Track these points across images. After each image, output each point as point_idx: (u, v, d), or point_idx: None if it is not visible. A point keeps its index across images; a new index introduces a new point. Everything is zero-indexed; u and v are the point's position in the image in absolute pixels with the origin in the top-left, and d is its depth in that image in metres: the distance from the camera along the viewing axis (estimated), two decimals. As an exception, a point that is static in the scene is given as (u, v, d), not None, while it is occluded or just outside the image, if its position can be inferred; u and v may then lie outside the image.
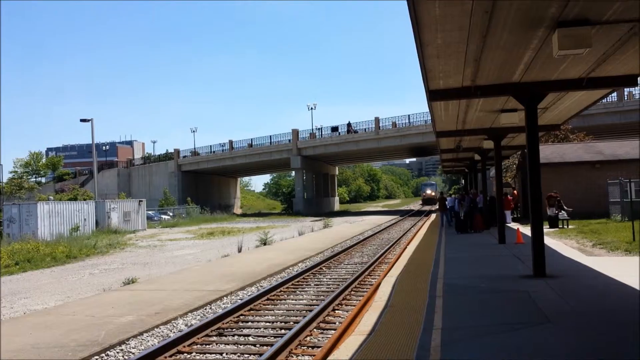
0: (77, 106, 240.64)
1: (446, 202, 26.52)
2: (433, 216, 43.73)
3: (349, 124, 62.05)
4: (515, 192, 30.61)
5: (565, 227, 21.83)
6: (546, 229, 21.36)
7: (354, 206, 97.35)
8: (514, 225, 22.90)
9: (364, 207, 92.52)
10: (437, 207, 33.10)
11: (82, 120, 45.74)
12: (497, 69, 9.21)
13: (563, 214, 22.28)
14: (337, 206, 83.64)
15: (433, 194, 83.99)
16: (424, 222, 35.92)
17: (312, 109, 72.67)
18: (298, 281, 13.19)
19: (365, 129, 61.22)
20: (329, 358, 6.34)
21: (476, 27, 7.01)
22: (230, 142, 71.78)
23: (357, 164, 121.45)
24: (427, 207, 72.10)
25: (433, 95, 11.04)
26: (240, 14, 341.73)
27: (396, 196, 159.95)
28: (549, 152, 28.47)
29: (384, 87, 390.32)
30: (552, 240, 17.40)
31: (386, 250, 18.95)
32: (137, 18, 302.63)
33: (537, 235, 10.10)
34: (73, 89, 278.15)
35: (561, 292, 8.74)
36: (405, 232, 28.36)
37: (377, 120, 59.93)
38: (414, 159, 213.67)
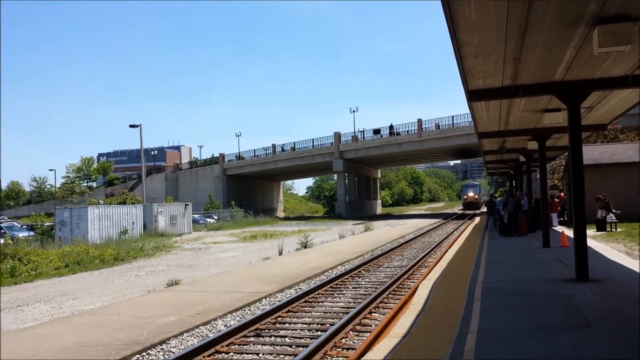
0: (128, 112, 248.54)
1: (495, 205, 25.84)
2: (477, 219, 42.96)
3: (391, 126, 61.75)
4: (562, 194, 29.76)
5: (614, 230, 21.09)
6: (593, 231, 20.74)
7: (397, 209, 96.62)
8: (560, 229, 22.27)
9: (406, 211, 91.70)
10: (485, 210, 32.00)
11: (131, 126, 47.22)
12: (537, 67, 9.00)
13: (611, 217, 21.54)
14: (379, 209, 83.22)
15: (476, 197, 74.70)
16: (467, 226, 35.34)
17: (354, 111, 72.79)
18: (336, 284, 13.22)
19: (407, 131, 60.78)
20: (362, 359, 6.35)
21: (513, 26, 6.89)
22: (274, 145, 72.56)
23: (400, 167, 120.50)
24: (469, 212, 63.98)
25: (473, 96, 10.87)
26: (279, 17, 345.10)
27: (440, 199, 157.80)
28: (597, 152, 27.57)
29: (427, 88, 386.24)
30: (599, 244, 16.85)
31: (426, 254, 18.76)
32: (182, 25, 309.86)
33: (580, 237, 9.81)
34: (124, 95, 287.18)
35: (603, 296, 8.47)
36: (447, 236, 28.00)
37: (419, 122, 59.39)
38: (459, 161, 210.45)
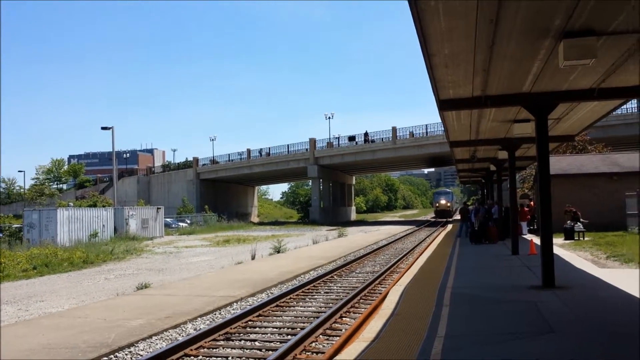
0: (100, 115, 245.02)
1: (467, 213, 25.97)
2: (450, 227, 43.48)
3: (366, 134, 62.17)
4: (531, 203, 30.33)
5: (581, 238, 21.59)
6: (562, 240, 21.20)
7: (371, 216, 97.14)
8: (529, 237, 22.70)
9: (381, 217, 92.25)
10: (458, 218, 31.92)
11: (103, 128, 46.57)
12: (506, 79, 9.24)
13: (579, 226, 22.04)
14: (353, 216, 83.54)
15: (449, 204, 70.10)
16: (440, 233, 35.74)
17: (329, 118, 73.00)
18: (308, 288, 13.26)
19: (382, 139, 61.26)
20: (330, 363, 6.41)
21: (482, 37, 7.08)
22: (248, 150, 72.35)
23: (375, 174, 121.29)
24: (442, 220, 62.99)
25: (444, 105, 11.08)
26: (259, 19, 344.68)
27: (414, 206, 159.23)
28: (565, 163, 28.20)
29: (401, 97, 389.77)
30: (566, 252, 17.24)
31: (399, 260, 18.94)
32: (159, 30, 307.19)
33: (546, 245, 10.05)
34: (96, 97, 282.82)
35: (568, 302, 8.71)
36: (420, 242, 28.28)
37: (394, 129, 59.94)
38: (432, 169, 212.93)
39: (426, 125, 57.57)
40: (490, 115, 12.97)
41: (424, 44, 7.27)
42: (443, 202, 69.67)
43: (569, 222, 22.26)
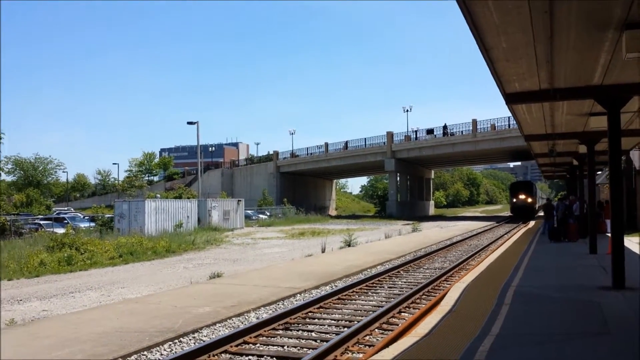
0: (190, 110, 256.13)
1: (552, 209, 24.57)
2: (532, 223, 41.85)
3: (445, 127, 61.00)
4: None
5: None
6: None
7: (451, 211, 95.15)
8: (613, 235, 21.47)
9: (460, 212, 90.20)
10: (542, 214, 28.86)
11: (189, 123, 48.84)
12: (573, 71, 8.89)
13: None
14: (432, 210, 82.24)
15: (530, 200, 54.74)
16: (519, 230, 34.52)
17: (407, 111, 72.21)
18: (372, 283, 13.39)
19: (462, 132, 59.85)
20: (374, 356, 6.54)
21: (539, 29, 6.88)
22: (326, 144, 73.09)
23: (455, 168, 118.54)
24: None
25: (510, 98, 10.81)
26: (336, 18, 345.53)
27: (497, 201, 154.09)
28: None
29: (482, 88, 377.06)
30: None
31: (470, 257, 18.60)
32: (242, 25, 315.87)
33: (617, 244, 9.58)
34: (187, 93, 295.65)
35: (634, 305, 8.29)
36: (496, 239, 27.51)
37: (474, 122, 58.35)
38: (519, 163, 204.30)
39: (509, 117, 55.48)
40: (564, 108, 12.45)
41: (478, 38, 7.18)
42: (522, 196, 55.05)
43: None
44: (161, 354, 7.35)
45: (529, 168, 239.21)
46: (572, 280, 11.16)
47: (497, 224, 44.56)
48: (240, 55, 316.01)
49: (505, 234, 32.03)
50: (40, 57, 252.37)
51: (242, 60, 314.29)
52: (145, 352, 7.34)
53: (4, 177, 66.61)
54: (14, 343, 7.60)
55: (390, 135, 65.37)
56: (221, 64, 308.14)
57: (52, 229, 30.73)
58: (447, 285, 12.79)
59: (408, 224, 43.05)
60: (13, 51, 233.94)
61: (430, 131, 62.87)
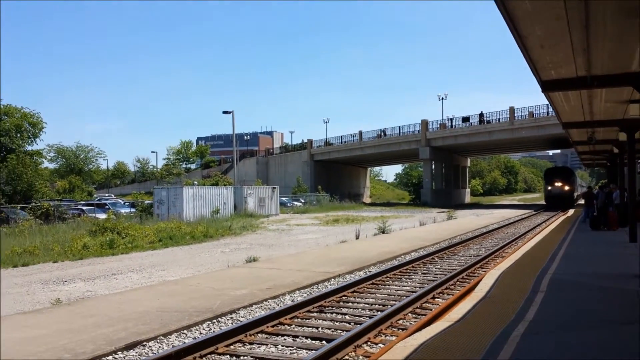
0: (228, 99, 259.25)
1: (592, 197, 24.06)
2: (571, 211, 41.06)
3: (481, 114, 60.04)
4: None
5: None
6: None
7: (487, 199, 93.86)
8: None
9: (497, 200, 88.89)
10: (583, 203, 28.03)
11: (224, 112, 49.45)
12: (610, 58, 8.79)
13: None
14: (468, 198, 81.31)
15: (567, 188, 49.93)
16: (558, 218, 33.97)
17: (442, 98, 71.20)
18: (406, 269, 13.50)
19: (499, 119, 58.79)
20: (407, 339, 6.69)
21: (574, 17, 6.86)
22: (360, 132, 72.91)
23: (492, 156, 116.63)
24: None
25: (547, 86, 10.75)
26: (369, 6, 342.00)
27: (536, 190, 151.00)
28: None
29: (522, 76, 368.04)
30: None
31: (506, 244, 18.49)
32: (276, 17, 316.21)
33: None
34: (223, 83, 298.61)
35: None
36: (534, 227, 27.16)
37: (511, 109, 57.23)
38: (558, 151, 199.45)
39: (547, 104, 54.16)
40: (602, 96, 12.26)
41: (512, 25, 7.18)
42: (558, 183, 50.15)
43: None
44: (200, 333, 7.68)
45: (569, 156, 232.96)
46: (609, 269, 11.07)
47: (535, 212, 43.83)
48: (275, 44, 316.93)
49: (543, 222, 31.57)
50: (83, 50, 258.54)
51: (277, 49, 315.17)
52: (185, 331, 7.68)
53: (47, 164, 68.81)
54: (59, 320, 8.05)
55: (425, 123, 64.75)
56: (257, 54, 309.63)
57: (94, 214, 31.81)
58: (482, 272, 12.79)
59: (443, 212, 42.81)
60: (60, 46, 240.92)
61: (466, 119, 61.96)
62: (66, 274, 13.91)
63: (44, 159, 57.93)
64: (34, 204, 33.12)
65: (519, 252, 14.63)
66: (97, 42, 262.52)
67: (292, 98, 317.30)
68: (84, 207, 35.96)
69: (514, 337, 6.26)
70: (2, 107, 50.41)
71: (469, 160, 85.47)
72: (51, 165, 77.88)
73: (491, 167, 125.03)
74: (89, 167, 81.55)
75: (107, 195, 67.69)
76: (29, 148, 51.74)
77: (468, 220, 32.99)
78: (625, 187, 23.19)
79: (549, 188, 51.79)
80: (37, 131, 52.07)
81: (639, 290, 8.45)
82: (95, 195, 60.97)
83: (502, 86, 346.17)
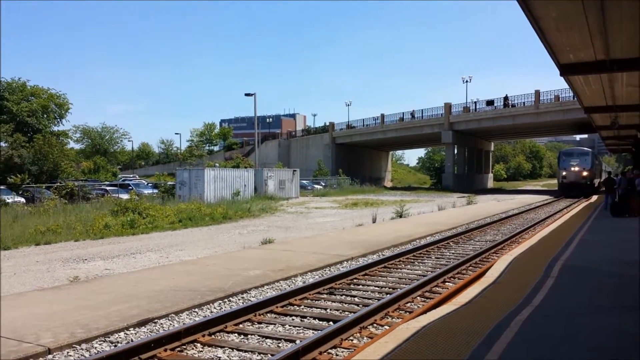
0: (250, 82, 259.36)
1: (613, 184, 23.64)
2: (594, 198, 40.42)
3: (505, 98, 59.13)
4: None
5: None
6: None
7: (511, 184, 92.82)
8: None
9: (521, 186, 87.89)
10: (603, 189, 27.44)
11: (247, 95, 49.60)
12: (629, 41, 8.60)
13: None
14: (490, 183, 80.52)
15: (585, 173, 45.12)
16: (580, 204, 33.49)
17: (467, 81, 70.21)
18: (420, 253, 13.53)
19: (523, 103, 57.86)
20: (411, 321, 6.76)
21: (589, -1, 6.73)
22: (382, 115, 72.49)
23: (517, 140, 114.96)
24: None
25: (565, 70, 10.59)
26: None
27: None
28: None
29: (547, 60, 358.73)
30: None
31: (523, 230, 18.34)
32: (302, 1, 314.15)
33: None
34: (246, 65, 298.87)
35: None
36: (554, 213, 26.85)
37: (537, 93, 56.24)
38: (585, 136, 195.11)
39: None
40: (623, 80, 12.01)
41: (525, 7, 7.08)
42: (575, 168, 45.30)
43: None
44: (211, 311, 7.86)
45: (596, 141, 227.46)
46: (625, 256, 10.94)
47: (557, 198, 43.24)
48: (298, 26, 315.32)
49: (564, 207, 31.17)
50: (110, 33, 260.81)
51: (300, 32, 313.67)
52: (196, 309, 7.87)
53: (72, 145, 70.03)
54: (75, 297, 8.30)
55: (448, 106, 64.05)
56: (280, 36, 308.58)
57: (117, 195, 32.41)
58: (496, 258, 12.76)
59: (463, 197, 42.52)
60: (89, 28, 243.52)
61: (490, 102, 61.06)
62: (86, 253, 14.27)
63: (69, 140, 59.01)
64: (59, 184, 33.85)
65: (534, 238, 14.53)
66: (124, 26, 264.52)
67: (315, 81, 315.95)
68: (107, 188, 36.66)
69: (517, 322, 6.27)
70: (29, 87, 51.40)
71: (492, 144, 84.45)
72: (77, 146, 79.27)
73: (516, 152, 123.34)
74: (114, 148, 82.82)
75: (131, 176, 68.80)
76: (55, 129, 52.81)
77: (488, 206, 32.73)
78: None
79: (564, 173, 46.54)
80: (63, 112, 53.08)
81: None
82: (119, 176, 62.04)
83: (528, 69, 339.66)
